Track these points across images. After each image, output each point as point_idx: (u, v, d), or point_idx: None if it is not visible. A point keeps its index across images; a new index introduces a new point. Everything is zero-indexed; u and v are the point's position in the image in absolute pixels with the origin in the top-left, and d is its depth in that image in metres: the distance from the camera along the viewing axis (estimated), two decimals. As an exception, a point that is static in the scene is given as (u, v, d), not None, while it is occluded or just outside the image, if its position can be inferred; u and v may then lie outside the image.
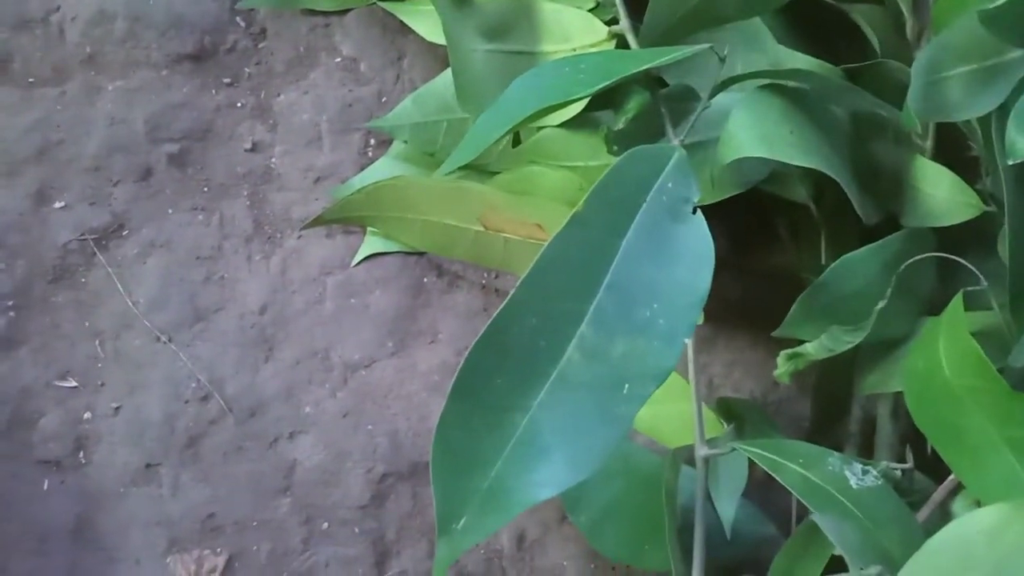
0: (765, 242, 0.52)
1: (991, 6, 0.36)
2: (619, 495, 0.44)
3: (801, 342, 0.43)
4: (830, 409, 0.48)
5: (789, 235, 0.50)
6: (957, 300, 0.39)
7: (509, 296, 0.32)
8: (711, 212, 0.36)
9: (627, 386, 0.33)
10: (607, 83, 0.39)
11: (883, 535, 0.35)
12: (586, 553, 0.47)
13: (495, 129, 0.40)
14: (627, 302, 0.34)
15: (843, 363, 0.45)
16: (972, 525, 0.30)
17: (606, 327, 0.33)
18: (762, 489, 0.48)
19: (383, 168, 0.52)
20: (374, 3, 0.53)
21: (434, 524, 0.31)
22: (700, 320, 0.47)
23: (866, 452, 0.47)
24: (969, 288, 0.40)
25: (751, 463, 0.42)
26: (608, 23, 0.46)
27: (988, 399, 0.36)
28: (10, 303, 0.49)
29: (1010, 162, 0.36)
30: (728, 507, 0.42)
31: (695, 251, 0.35)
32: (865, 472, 0.37)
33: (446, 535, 0.31)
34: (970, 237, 0.44)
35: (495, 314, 0.32)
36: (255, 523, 0.46)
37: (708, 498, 0.42)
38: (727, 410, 0.46)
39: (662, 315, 0.34)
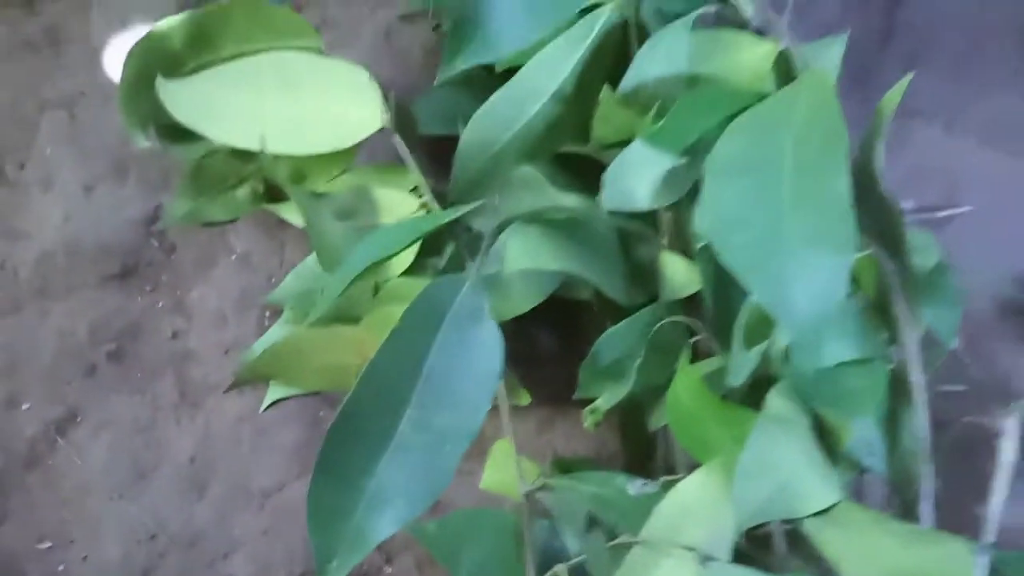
0: (578, 332, 0.66)
1: (654, 128, 0.48)
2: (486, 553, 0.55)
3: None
4: (638, 446, 0.61)
5: (593, 325, 0.65)
6: (686, 350, 0.53)
7: (351, 389, 0.45)
8: (533, 319, 0.49)
9: (447, 446, 0.46)
10: (415, 238, 0.54)
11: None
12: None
13: (343, 281, 0.53)
14: (440, 386, 0.46)
15: (640, 410, 0.58)
16: (686, 487, 0.43)
17: (427, 406, 0.45)
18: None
19: (277, 332, 0.65)
20: (259, 208, 0.69)
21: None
22: (527, 401, 0.60)
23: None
24: (697, 338, 0.54)
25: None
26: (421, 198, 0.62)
27: (716, 414, 0.50)
28: (-8, 490, 0.60)
29: (699, 245, 0.52)
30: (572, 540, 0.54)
31: (489, 344, 0.48)
32: (644, 484, 0.50)
33: (324, 574, 0.43)
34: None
35: (342, 403, 0.44)
36: (204, 630, 0.57)
37: (552, 530, 0.53)
38: (563, 467, 0.59)
39: (468, 392, 0.47)
